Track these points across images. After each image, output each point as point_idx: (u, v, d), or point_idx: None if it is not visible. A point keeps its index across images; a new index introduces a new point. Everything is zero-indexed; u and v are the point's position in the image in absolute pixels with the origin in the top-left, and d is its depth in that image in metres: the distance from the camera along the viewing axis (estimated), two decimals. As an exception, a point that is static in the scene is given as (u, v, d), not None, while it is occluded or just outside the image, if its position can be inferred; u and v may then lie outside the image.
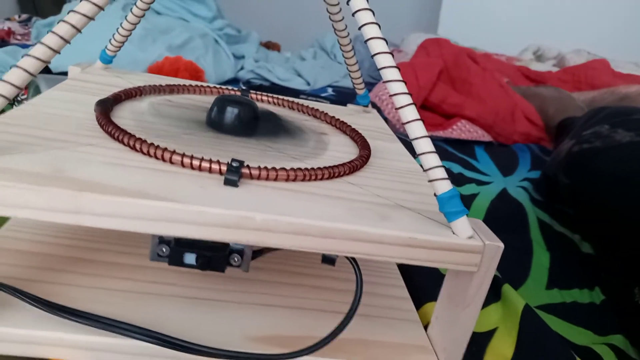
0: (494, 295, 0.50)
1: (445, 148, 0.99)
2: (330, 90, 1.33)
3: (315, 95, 1.23)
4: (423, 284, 0.49)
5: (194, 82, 0.55)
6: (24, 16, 1.57)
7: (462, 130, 1.05)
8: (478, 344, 0.43)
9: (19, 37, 1.37)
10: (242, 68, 1.34)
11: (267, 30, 1.82)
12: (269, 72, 1.31)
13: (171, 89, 0.51)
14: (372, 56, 0.33)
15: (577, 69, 1.47)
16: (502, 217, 0.73)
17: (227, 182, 0.32)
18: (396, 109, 0.33)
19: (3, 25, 1.40)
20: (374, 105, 0.91)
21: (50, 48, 0.29)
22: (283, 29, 2.08)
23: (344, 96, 1.27)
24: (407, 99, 0.33)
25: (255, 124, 0.44)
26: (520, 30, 2.26)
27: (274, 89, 1.24)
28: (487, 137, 1.07)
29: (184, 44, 1.15)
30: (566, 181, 0.70)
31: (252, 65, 1.33)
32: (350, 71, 0.57)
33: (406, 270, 0.50)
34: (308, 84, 1.33)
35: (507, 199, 0.80)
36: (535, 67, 1.64)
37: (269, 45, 1.73)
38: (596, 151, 0.67)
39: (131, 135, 0.35)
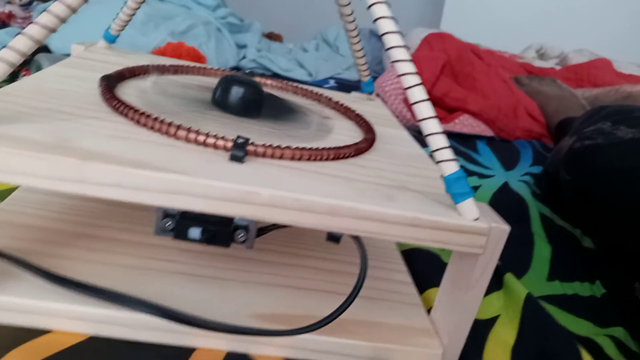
0: (495, 283, 0.50)
1: (447, 141, 0.99)
2: (332, 82, 1.33)
3: (317, 86, 1.23)
4: (425, 270, 0.48)
5: (198, 64, 0.54)
6: (25, 0, 1.56)
7: (464, 124, 1.05)
8: (479, 330, 0.43)
9: (19, 21, 1.36)
10: (244, 57, 1.33)
11: (270, 21, 1.81)
12: (271, 62, 1.31)
13: (175, 70, 0.51)
14: (380, 35, 0.33)
15: (580, 68, 1.47)
16: (503, 210, 0.72)
17: (233, 158, 0.32)
18: (404, 89, 0.32)
19: (4, 8, 1.39)
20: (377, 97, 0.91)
21: (57, 16, 0.29)
22: (285, 20, 2.07)
23: (346, 88, 1.26)
24: (416, 79, 0.32)
25: (260, 105, 0.43)
26: (523, 28, 2.25)
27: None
28: (489, 132, 1.07)
29: (187, 30, 1.14)
30: (568, 177, 0.69)
31: (254, 54, 1.33)
32: (356, 57, 0.57)
33: (408, 257, 0.50)
34: (310, 75, 1.33)
35: (508, 192, 0.79)
36: (538, 65, 1.64)
37: (271, 36, 1.72)
38: (598, 147, 0.67)
39: (136, 110, 0.34)
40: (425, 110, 0.32)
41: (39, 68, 0.64)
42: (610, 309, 0.55)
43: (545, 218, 0.73)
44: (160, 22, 1.11)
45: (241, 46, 1.38)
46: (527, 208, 0.75)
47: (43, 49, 0.90)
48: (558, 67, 1.66)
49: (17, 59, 0.28)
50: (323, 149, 0.36)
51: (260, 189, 0.29)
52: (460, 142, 1.00)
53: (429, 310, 0.40)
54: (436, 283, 0.46)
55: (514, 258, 0.59)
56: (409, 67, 0.32)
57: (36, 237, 0.37)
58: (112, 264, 0.36)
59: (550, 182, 0.79)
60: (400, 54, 0.32)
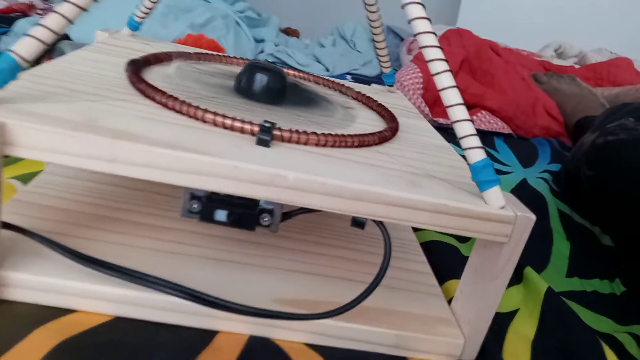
0: (515, 277, 0.49)
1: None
2: (349, 77, 1.32)
3: (334, 80, 1.23)
4: (444, 262, 0.48)
5: (220, 53, 0.55)
6: (46, -8, 1.57)
7: (482, 121, 1.04)
8: (499, 323, 0.43)
9: (39, 12, 1.37)
10: (261, 51, 1.33)
11: (287, 17, 1.81)
12: (289, 57, 1.31)
13: (199, 57, 0.51)
14: (409, 21, 0.33)
15: (600, 66, 1.45)
16: (521, 206, 0.72)
17: (260, 142, 0.32)
18: (432, 75, 0.32)
19: (25, -1, 1.40)
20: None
21: (89, -4, 0.29)
22: (302, 15, 2.07)
23: (363, 84, 1.26)
24: (444, 66, 0.32)
25: (283, 93, 0.43)
26: (540, 27, 2.23)
27: (293, 73, 1.24)
28: (506, 129, 1.06)
29: (206, 23, 1.14)
30: (589, 173, 0.69)
31: (272, 49, 1.33)
32: (377, 48, 0.57)
33: (427, 249, 0.49)
34: (327, 70, 1.32)
35: (527, 189, 0.79)
36: (556, 63, 1.62)
37: (288, 32, 1.72)
38: (621, 143, 0.66)
39: (163, 93, 0.34)
40: (452, 96, 0.32)
41: (61, 55, 0.65)
42: (631, 306, 0.54)
43: (564, 215, 0.72)
44: (180, 15, 1.11)
45: (259, 40, 1.38)
46: (545, 205, 0.74)
47: (64, 37, 0.91)
48: (577, 66, 1.64)
49: (50, 37, 0.28)
50: (348, 135, 0.36)
51: (287, 172, 0.29)
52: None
53: (449, 301, 0.40)
54: (455, 275, 0.46)
55: (532, 254, 0.58)
56: (438, 53, 0.32)
57: (61, 218, 0.38)
58: (136, 247, 0.36)
59: (570, 179, 0.78)
60: (429, 39, 0.32)
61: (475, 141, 0.32)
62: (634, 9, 2.24)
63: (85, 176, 0.44)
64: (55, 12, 0.29)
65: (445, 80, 0.32)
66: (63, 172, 0.44)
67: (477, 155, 0.32)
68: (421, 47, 0.33)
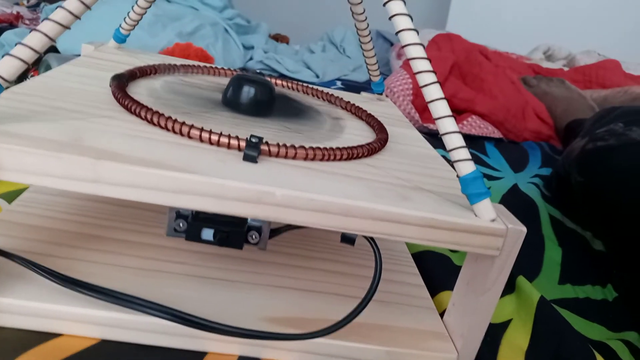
0: (508, 287, 0.49)
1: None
2: (339, 83, 1.32)
3: (324, 87, 1.22)
4: (436, 273, 0.48)
5: (208, 64, 0.54)
6: (33, 1, 1.56)
7: (472, 126, 1.04)
8: (493, 334, 0.42)
9: (27, 22, 1.36)
10: (251, 58, 1.33)
11: (276, 23, 1.81)
12: (278, 64, 1.30)
13: (185, 69, 0.50)
14: (397, 33, 0.32)
15: (588, 69, 1.46)
16: (513, 212, 0.72)
17: (246, 158, 0.32)
18: (421, 87, 0.32)
19: (12, 9, 1.39)
20: (385, 98, 0.90)
21: (71, 13, 0.28)
22: (292, 21, 2.07)
23: (353, 90, 1.25)
24: (432, 77, 0.32)
25: (271, 105, 0.43)
26: (529, 30, 2.24)
27: (283, 80, 1.24)
28: (497, 134, 1.06)
29: (195, 31, 1.14)
30: (580, 179, 0.69)
31: (261, 55, 1.32)
32: (366, 57, 0.57)
33: (419, 260, 0.49)
34: (317, 76, 1.32)
35: (518, 195, 0.79)
36: (545, 66, 1.63)
37: (278, 38, 1.72)
38: (611, 148, 0.66)
39: (148, 109, 0.34)
40: (441, 108, 0.32)
41: (47, 68, 0.64)
42: (623, 313, 0.54)
43: (555, 220, 0.72)
44: (168, 23, 1.11)
45: (248, 47, 1.38)
46: (537, 210, 0.74)
47: (51, 49, 0.90)
48: (566, 69, 1.65)
49: (31, 56, 0.28)
50: (336, 148, 0.36)
51: (274, 189, 0.29)
52: (469, 144, 0.99)
53: (441, 314, 0.40)
54: (447, 286, 0.45)
55: (525, 261, 0.58)
56: (426, 65, 0.32)
57: (46, 238, 0.37)
58: (123, 266, 0.36)
59: (561, 184, 0.78)
60: (417, 51, 0.32)
61: (465, 153, 0.32)
62: (622, 11, 2.26)
63: (70, 193, 0.43)
64: (36, 30, 0.28)
65: (433, 92, 0.32)
66: (47, 189, 0.43)
67: (467, 167, 0.32)
68: (409, 59, 0.32)
